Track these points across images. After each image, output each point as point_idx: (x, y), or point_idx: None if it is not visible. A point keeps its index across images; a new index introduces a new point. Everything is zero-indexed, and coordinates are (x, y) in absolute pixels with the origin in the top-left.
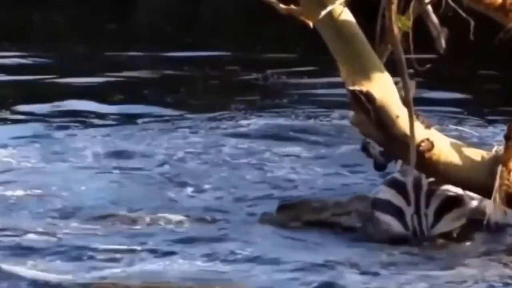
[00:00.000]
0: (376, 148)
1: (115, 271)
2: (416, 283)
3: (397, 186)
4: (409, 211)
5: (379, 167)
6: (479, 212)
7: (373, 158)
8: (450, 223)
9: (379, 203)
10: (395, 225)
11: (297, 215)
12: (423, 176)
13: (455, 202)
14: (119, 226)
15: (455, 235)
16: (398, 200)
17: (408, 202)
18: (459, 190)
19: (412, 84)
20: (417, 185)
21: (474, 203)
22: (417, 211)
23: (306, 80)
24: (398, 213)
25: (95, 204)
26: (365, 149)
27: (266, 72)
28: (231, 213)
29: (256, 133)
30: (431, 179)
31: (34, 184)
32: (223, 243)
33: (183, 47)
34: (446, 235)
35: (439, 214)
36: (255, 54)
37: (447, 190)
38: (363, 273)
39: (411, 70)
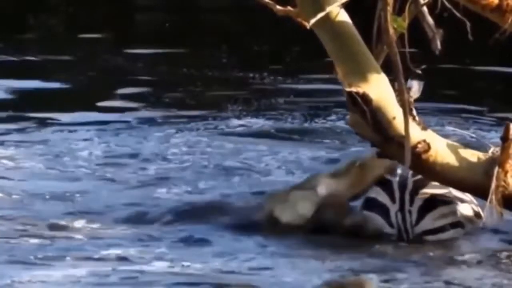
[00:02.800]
0: None
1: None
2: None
3: (383, 184)
4: (393, 208)
5: None
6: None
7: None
8: (434, 221)
9: (366, 201)
10: (380, 223)
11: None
12: (409, 174)
13: (440, 200)
14: (102, 226)
15: (445, 235)
16: (383, 197)
17: (393, 200)
18: (445, 189)
19: (420, 84)
20: (403, 183)
21: (464, 204)
22: (402, 208)
23: (303, 80)
24: (382, 210)
25: (80, 205)
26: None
27: (263, 72)
28: (220, 215)
29: (252, 134)
30: (417, 178)
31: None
32: (208, 245)
33: (180, 46)
34: (436, 236)
35: (423, 211)
36: (252, 53)
37: (433, 189)
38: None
39: (419, 71)
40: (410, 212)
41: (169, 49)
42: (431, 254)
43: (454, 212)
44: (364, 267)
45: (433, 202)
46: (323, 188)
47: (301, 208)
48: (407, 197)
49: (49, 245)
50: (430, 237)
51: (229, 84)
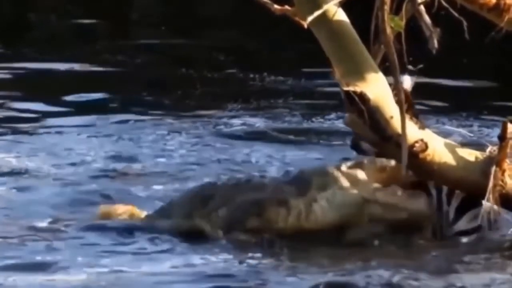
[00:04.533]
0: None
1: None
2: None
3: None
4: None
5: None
6: None
7: (365, 154)
8: (467, 223)
9: None
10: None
11: None
12: None
13: (472, 202)
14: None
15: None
16: None
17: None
18: None
19: (412, 79)
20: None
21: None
22: (439, 208)
23: (303, 80)
24: None
25: (77, 204)
26: (356, 145)
27: (262, 71)
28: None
29: (250, 134)
30: None
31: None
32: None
33: (179, 46)
34: (469, 237)
35: (459, 213)
36: (252, 54)
37: None
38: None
39: (411, 67)
40: (447, 212)
41: (167, 48)
42: (436, 256)
43: (480, 216)
44: (368, 272)
45: (468, 203)
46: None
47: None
48: (444, 198)
49: (42, 247)
50: (462, 238)
51: (228, 83)
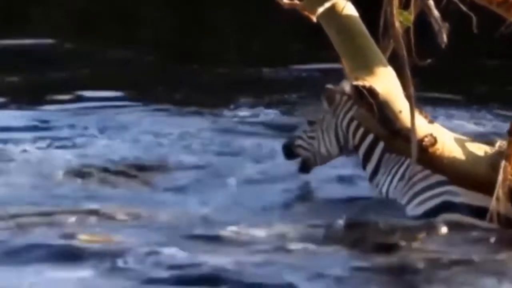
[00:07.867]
0: (310, 150)
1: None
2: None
3: None
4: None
5: (306, 169)
6: None
7: (301, 160)
8: None
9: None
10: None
11: None
12: None
13: None
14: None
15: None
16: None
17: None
18: None
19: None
20: None
21: None
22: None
23: (316, 75)
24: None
25: (76, 200)
26: (288, 149)
27: (276, 67)
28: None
29: (261, 129)
30: None
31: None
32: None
33: (189, 42)
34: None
35: None
36: (264, 48)
37: None
38: None
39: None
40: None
41: (174, 44)
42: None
43: None
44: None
45: None
46: None
47: None
48: None
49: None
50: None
51: (240, 79)
